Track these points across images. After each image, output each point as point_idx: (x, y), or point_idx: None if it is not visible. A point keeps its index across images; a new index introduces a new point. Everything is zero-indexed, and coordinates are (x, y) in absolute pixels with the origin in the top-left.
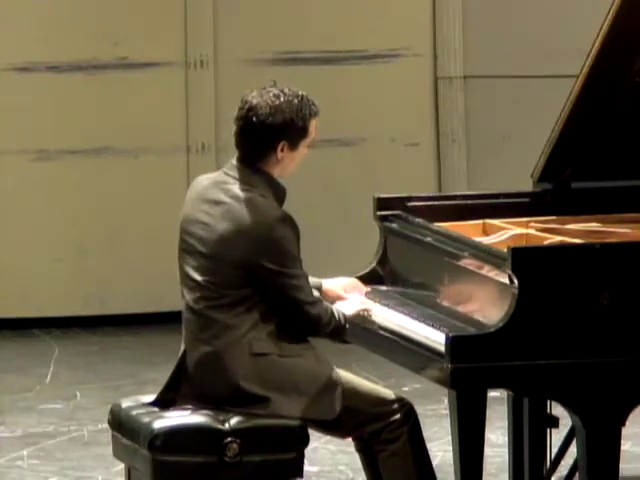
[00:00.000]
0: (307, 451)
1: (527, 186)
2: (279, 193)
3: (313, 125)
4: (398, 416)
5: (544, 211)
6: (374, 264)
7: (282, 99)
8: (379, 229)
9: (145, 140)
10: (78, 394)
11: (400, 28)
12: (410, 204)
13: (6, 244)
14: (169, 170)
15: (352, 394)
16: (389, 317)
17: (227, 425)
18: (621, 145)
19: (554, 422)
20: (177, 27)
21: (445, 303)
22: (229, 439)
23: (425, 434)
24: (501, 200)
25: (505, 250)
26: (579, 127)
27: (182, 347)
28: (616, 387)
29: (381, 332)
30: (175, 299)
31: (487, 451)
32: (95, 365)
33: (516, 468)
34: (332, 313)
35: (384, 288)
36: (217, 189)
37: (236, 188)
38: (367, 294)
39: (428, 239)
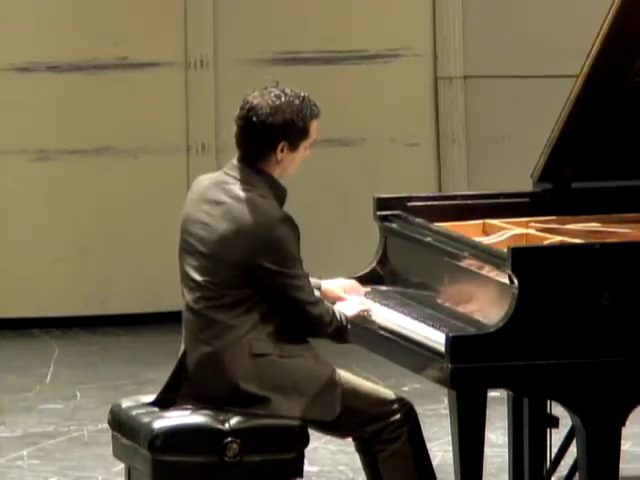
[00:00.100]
0: (307, 451)
1: (527, 186)
2: (280, 193)
3: (314, 126)
4: (398, 416)
5: (544, 211)
6: (374, 264)
7: (283, 99)
8: (379, 229)
9: (145, 140)
10: (78, 394)
11: (400, 28)
12: (410, 204)
13: (6, 244)
14: (169, 170)
15: (352, 394)
16: (389, 317)
17: (227, 425)
18: (621, 145)
19: (554, 422)
20: (177, 27)
21: (445, 303)
22: (229, 439)
23: (425, 434)
24: (501, 200)
25: (505, 250)
26: (579, 127)
27: (182, 347)
28: (616, 387)
29: (381, 332)
30: (175, 299)
31: (487, 451)
32: (95, 365)
33: (516, 468)
34: (333, 313)
35: (384, 288)
36: (218, 189)
37: (236, 188)
38: (367, 294)
39: (428, 239)
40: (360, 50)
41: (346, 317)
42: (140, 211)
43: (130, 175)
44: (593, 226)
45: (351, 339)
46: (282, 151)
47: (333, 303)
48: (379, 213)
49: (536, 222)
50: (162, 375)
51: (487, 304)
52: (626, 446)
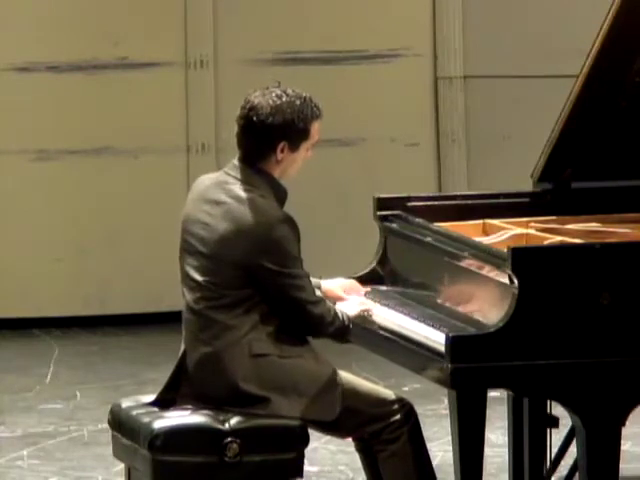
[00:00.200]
0: (307, 451)
1: (527, 186)
2: (280, 194)
3: (315, 127)
4: (398, 416)
5: (544, 211)
6: (374, 264)
7: (284, 99)
8: (379, 229)
9: (145, 140)
10: (78, 394)
11: (400, 28)
12: (410, 204)
13: (6, 244)
14: (169, 170)
15: (352, 395)
16: (389, 317)
17: (227, 425)
18: (621, 145)
19: (554, 422)
20: (177, 27)
21: (445, 303)
22: (229, 439)
23: (425, 434)
24: (501, 200)
25: (505, 250)
26: (579, 127)
27: (182, 347)
28: (616, 387)
29: (381, 332)
30: (175, 299)
31: (487, 451)
32: (95, 365)
33: (516, 468)
34: (335, 313)
35: (384, 288)
36: (218, 189)
37: (237, 188)
38: (367, 294)
39: (428, 239)
40: (360, 50)
41: (348, 316)
42: (140, 211)
43: (130, 175)
44: (593, 226)
45: (351, 339)
46: (282, 151)
47: (333, 303)
48: (379, 213)
49: (536, 222)
50: (162, 375)
51: (487, 304)
52: (626, 446)
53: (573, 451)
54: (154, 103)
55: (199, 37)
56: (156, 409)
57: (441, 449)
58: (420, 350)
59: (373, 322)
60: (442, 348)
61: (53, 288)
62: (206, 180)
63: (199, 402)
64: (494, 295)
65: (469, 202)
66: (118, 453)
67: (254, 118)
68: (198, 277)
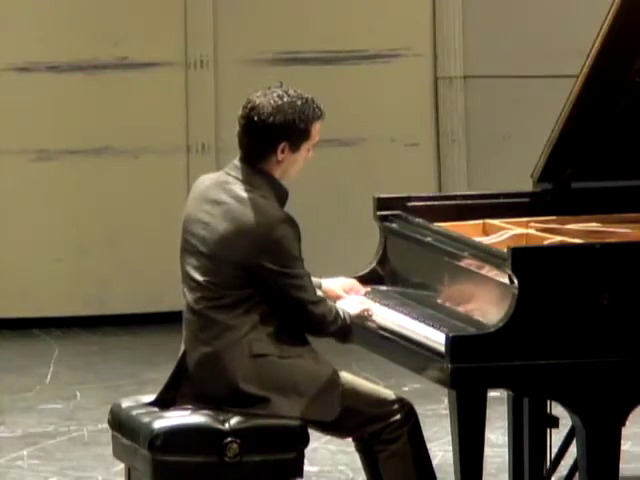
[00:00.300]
0: (307, 451)
1: (527, 186)
2: (281, 194)
3: (316, 128)
4: (398, 416)
5: (544, 211)
6: (374, 264)
7: (285, 99)
8: (379, 229)
9: (145, 140)
10: (78, 394)
11: (400, 28)
12: (410, 204)
13: (6, 244)
14: (169, 170)
15: (352, 395)
16: (389, 317)
17: (227, 425)
18: (621, 145)
19: (554, 422)
20: (177, 27)
21: (445, 303)
22: (229, 439)
23: (425, 434)
24: (501, 200)
25: (505, 250)
26: (579, 127)
27: (182, 347)
28: (616, 387)
29: (381, 332)
30: (175, 299)
31: (487, 451)
32: (95, 365)
33: (516, 468)
34: (337, 312)
35: (384, 288)
36: (219, 189)
37: (238, 188)
38: (367, 294)
39: (428, 239)
40: (360, 50)
41: (350, 315)
42: (140, 211)
43: (130, 175)
44: (593, 226)
45: (353, 339)
46: (283, 151)
47: (334, 302)
48: (379, 213)
49: (536, 222)
50: (162, 375)
51: (487, 304)
52: (626, 446)
53: (573, 451)
54: (154, 103)
55: (199, 37)
56: (156, 409)
57: (441, 449)
58: (420, 350)
59: (373, 322)
60: (442, 348)
61: (53, 288)
62: (207, 180)
63: (199, 402)
64: (494, 295)
65: (469, 202)
66: (118, 453)
67: (255, 118)
68: (198, 277)
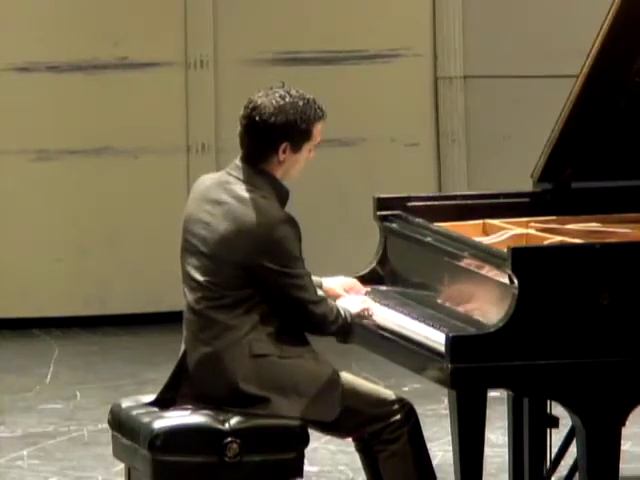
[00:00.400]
0: (307, 451)
1: (527, 186)
2: (282, 194)
3: (317, 129)
4: (398, 417)
5: (544, 211)
6: (374, 264)
7: (287, 100)
8: (379, 229)
9: (145, 140)
10: (78, 394)
11: (400, 28)
12: (410, 204)
13: (6, 244)
14: (169, 170)
15: (352, 395)
16: (389, 317)
17: (227, 425)
18: (621, 145)
19: (554, 422)
20: (177, 27)
21: (445, 303)
22: (229, 439)
23: (425, 434)
24: (501, 200)
25: (505, 250)
26: (579, 127)
27: (182, 347)
28: (616, 387)
29: (381, 332)
30: (175, 299)
31: (487, 451)
32: (95, 365)
33: (516, 468)
34: (338, 311)
35: (384, 288)
36: (220, 189)
37: (238, 188)
38: (367, 294)
39: (428, 239)
40: (360, 50)
41: (351, 314)
42: (140, 211)
43: (130, 175)
44: (593, 226)
45: (353, 339)
46: (284, 152)
47: (334, 302)
48: (379, 213)
49: (536, 222)
50: (162, 375)
51: (487, 304)
52: (626, 446)
53: (573, 451)
54: (154, 103)
55: (199, 37)
56: (156, 409)
57: (441, 449)
58: (420, 350)
59: (373, 322)
60: (442, 348)
61: (53, 288)
62: (207, 180)
63: (199, 402)
64: (494, 295)
65: (469, 202)
66: (118, 453)
67: (257, 118)
68: (199, 277)
